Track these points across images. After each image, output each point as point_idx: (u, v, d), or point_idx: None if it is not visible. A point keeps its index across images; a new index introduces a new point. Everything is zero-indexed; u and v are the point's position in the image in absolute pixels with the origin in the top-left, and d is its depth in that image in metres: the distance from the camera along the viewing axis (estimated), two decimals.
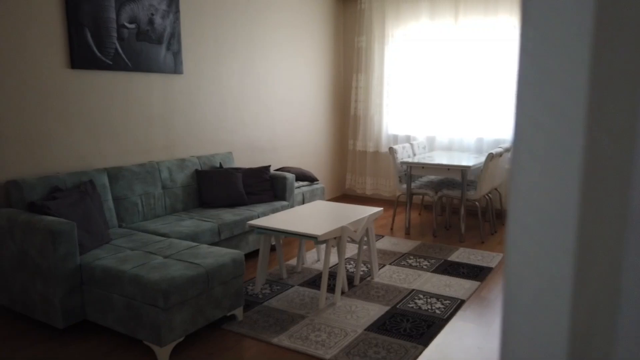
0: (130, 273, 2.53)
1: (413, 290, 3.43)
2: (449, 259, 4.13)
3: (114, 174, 3.52)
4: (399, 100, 6.09)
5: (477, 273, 3.79)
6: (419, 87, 5.92)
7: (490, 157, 4.49)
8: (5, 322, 2.94)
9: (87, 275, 2.69)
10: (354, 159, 6.58)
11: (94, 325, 2.88)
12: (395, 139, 6.22)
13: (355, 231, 3.34)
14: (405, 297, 3.31)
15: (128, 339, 2.74)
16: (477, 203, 4.67)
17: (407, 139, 6.12)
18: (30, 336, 2.77)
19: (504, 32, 5.33)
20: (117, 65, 3.64)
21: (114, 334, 2.80)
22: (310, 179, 5.17)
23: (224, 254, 2.82)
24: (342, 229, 3.20)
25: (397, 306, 3.16)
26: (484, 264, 3.98)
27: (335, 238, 3.20)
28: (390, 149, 4.99)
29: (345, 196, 6.76)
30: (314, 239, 3.04)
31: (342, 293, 3.37)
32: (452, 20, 5.58)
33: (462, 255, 4.22)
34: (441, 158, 4.97)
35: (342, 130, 6.67)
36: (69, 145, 3.39)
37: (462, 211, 4.65)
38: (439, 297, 3.31)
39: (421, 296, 3.33)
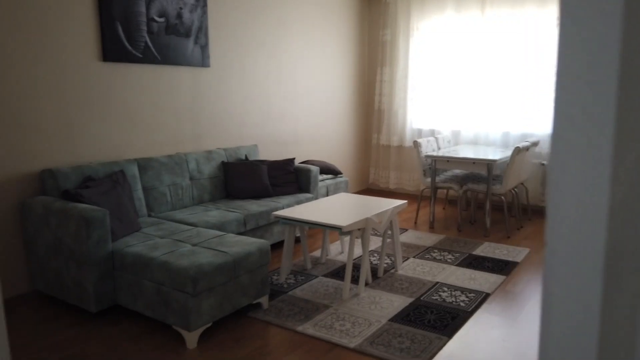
0: (160, 259, 2.60)
1: (437, 283, 3.43)
2: (474, 253, 4.10)
3: (144, 165, 3.61)
4: (423, 94, 6.05)
5: (503, 267, 3.75)
6: (444, 80, 5.87)
7: (517, 150, 4.43)
8: (41, 306, 3.05)
9: (119, 261, 2.77)
10: (377, 153, 6.57)
11: (125, 310, 2.97)
12: (420, 133, 6.18)
13: (379, 223, 3.35)
14: (429, 289, 3.31)
15: (157, 324, 2.82)
16: (503, 198, 4.62)
17: (432, 133, 6.08)
18: (64, 319, 2.88)
19: (531, 25, 5.24)
20: (146, 58, 3.72)
21: (144, 318, 2.88)
22: (334, 172, 5.19)
23: (250, 242, 2.87)
24: (367, 220, 3.22)
25: (421, 298, 3.17)
26: (510, 259, 3.94)
27: (359, 229, 3.21)
28: (415, 142, 4.98)
29: (369, 190, 6.76)
30: (338, 230, 3.06)
31: (366, 284, 3.39)
32: (479, 12, 5.51)
33: (487, 249, 4.19)
34: (466, 152, 4.92)
35: (365, 124, 6.67)
36: (101, 135, 3.49)
37: (488, 205, 4.61)
38: (463, 290, 3.30)
39: (445, 289, 3.32)
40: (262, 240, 2.92)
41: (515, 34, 5.33)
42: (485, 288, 3.34)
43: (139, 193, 3.53)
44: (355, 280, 3.47)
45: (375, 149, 6.58)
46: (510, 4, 5.32)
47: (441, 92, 5.92)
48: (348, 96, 6.25)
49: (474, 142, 5.80)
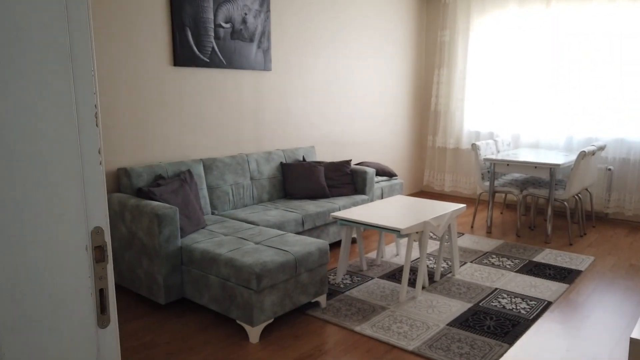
0: (225, 256, 2.73)
1: (496, 289, 3.38)
2: (534, 259, 4.00)
3: (209, 165, 3.77)
4: (482, 95, 5.94)
5: (565, 275, 3.64)
6: (504, 81, 5.74)
7: (582, 155, 4.28)
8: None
9: (187, 257, 2.93)
10: (432, 155, 6.51)
11: (191, 303, 3.13)
12: (477, 135, 6.08)
13: (437, 226, 3.34)
14: (488, 295, 3.27)
15: (221, 317, 2.95)
16: (565, 203, 4.47)
17: (490, 136, 5.96)
18: (136, 310, 3.07)
19: (600, 20, 5.03)
20: (213, 62, 3.88)
21: (209, 311, 3.02)
22: (389, 174, 5.20)
23: (310, 242, 2.95)
24: (425, 223, 3.22)
25: (480, 304, 3.13)
26: (573, 267, 3.82)
27: (417, 232, 3.22)
28: (473, 145, 4.90)
29: (423, 192, 6.71)
30: (396, 233, 3.08)
31: (423, 288, 3.39)
32: (543, 6, 5.34)
33: (548, 256, 4.08)
34: (527, 155, 4.80)
35: (421, 126, 6.62)
36: (170, 136, 3.68)
37: (549, 211, 4.48)
38: (524, 297, 3.23)
39: (505, 295, 3.27)
40: (321, 241, 2.99)
41: (582, 31, 5.13)
42: (547, 296, 3.26)
43: (204, 191, 3.69)
44: (411, 283, 3.48)
45: (431, 151, 6.52)
46: None
47: (500, 93, 5.79)
48: (404, 98, 6.23)
49: (535, 146, 5.64)
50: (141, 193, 3.11)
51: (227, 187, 3.87)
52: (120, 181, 3.31)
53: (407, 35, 6.10)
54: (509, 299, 3.21)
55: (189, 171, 3.51)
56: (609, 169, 5.19)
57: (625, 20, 4.91)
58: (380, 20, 5.61)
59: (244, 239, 3.03)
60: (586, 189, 4.99)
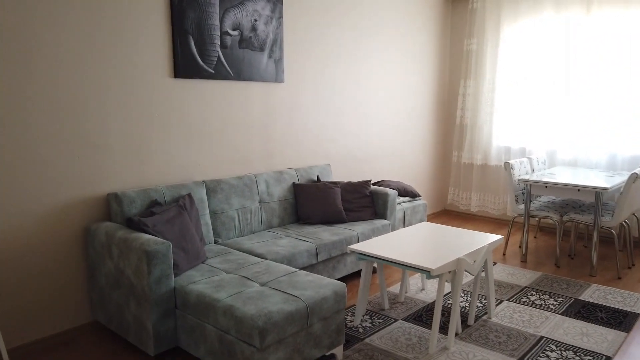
0: (224, 303, 2.31)
1: (542, 338, 2.89)
2: (581, 297, 3.50)
3: (212, 187, 3.37)
4: (512, 108, 5.46)
5: (621, 320, 3.14)
6: (538, 93, 5.25)
7: (634, 178, 3.78)
8: (100, 340, 2.87)
9: (181, 300, 2.51)
10: (457, 171, 6.03)
11: (186, 354, 2.71)
12: (508, 151, 5.59)
13: (473, 263, 2.88)
14: (533, 346, 2.79)
15: None
16: (613, 231, 3.96)
17: (522, 152, 5.47)
18: (122, 358, 2.66)
19: None
20: (218, 74, 3.50)
21: None
22: (411, 194, 4.75)
23: (325, 284, 2.52)
24: (459, 261, 2.76)
25: (526, 359, 2.65)
26: (628, 308, 3.31)
27: (449, 272, 2.77)
28: (506, 164, 4.42)
29: (447, 212, 6.23)
30: (426, 273, 2.63)
31: (456, 335, 2.93)
32: (583, 12, 4.85)
33: (596, 294, 3.57)
34: (565, 176, 4.30)
35: (445, 141, 6.16)
36: (170, 156, 3.29)
37: (595, 239, 3.97)
38: (576, 351, 2.74)
39: (553, 347, 2.78)
40: (338, 283, 2.55)
41: (627, 38, 4.63)
42: (603, 348, 2.77)
43: (207, 218, 3.29)
44: (442, 328, 3.01)
45: (456, 168, 6.04)
46: (623, 2, 4.63)
47: (533, 106, 5.31)
48: (426, 111, 5.78)
49: (573, 165, 5.13)
50: (132, 224, 2.71)
51: (233, 211, 3.46)
52: (110, 208, 2.92)
53: (430, 44, 5.66)
54: (559, 351, 2.73)
55: (189, 195, 3.11)
56: None
57: None
58: (402, 27, 5.18)
59: (248, 278, 2.61)
60: (633, 214, 4.47)
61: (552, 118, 5.19)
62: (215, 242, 3.35)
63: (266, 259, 3.04)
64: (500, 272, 4.02)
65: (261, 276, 2.63)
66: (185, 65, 3.30)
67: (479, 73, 5.63)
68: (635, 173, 3.78)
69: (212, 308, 2.34)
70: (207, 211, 3.31)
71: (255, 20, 3.70)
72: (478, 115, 5.69)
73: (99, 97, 2.90)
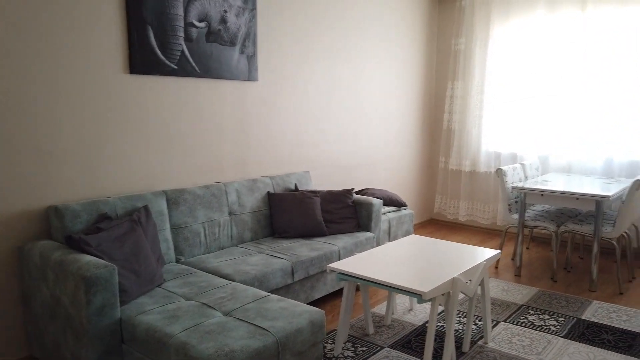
0: (177, 339, 1.92)
1: None
2: (583, 317, 3.18)
3: (174, 198, 2.98)
4: (503, 112, 5.17)
5: (630, 343, 2.83)
6: (529, 96, 4.97)
7: (638, 185, 3.49)
8: None
9: (128, 334, 2.12)
10: (445, 178, 5.72)
11: None
12: (498, 157, 5.29)
13: (468, 282, 2.54)
14: None
15: None
16: (614, 242, 3.67)
17: (513, 158, 5.18)
18: None
19: None
20: (182, 70, 3.12)
21: None
22: (397, 203, 4.41)
23: (299, 313, 2.14)
24: (454, 281, 2.42)
25: None
26: (635, 329, 3.01)
27: (443, 294, 2.42)
28: (499, 170, 4.12)
29: (433, 222, 5.91)
30: (417, 297, 2.28)
31: None
32: (578, 10, 4.58)
33: (599, 312, 3.26)
34: (559, 183, 4.01)
35: (431, 146, 5.85)
36: (124, 163, 2.89)
37: (596, 251, 3.67)
38: None
39: None
40: (315, 310, 2.18)
41: (624, 38, 4.38)
42: None
43: (167, 233, 2.89)
44: (434, 357, 2.66)
45: (443, 174, 5.73)
46: (620, 0, 4.38)
47: (525, 109, 5.02)
48: (412, 114, 5.46)
49: (567, 171, 4.85)
50: (72, 242, 2.31)
51: (198, 225, 3.07)
52: (50, 224, 2.51)
53: (416, 44, 5.35)
54: None
55: (145, 207, 2.71)
56: None
57: None
58: (385, 27, 4.86)
59: (209, 306, 2.22)
60: (633, 224, 4.20)
61: (544, 121, 4.92)
62: (177, 261, 2.95)
63: (234, 280, 2.65)
64: (494, 288, 3.69)
65: (225, 303, 2.25)
66: (143, 60, 2.91)
67: (467, 74, 5.34)
68: (639, 180, 3.50)
69: (163, 345, 1.94)
70: (168, 225, 2.91)
71: (225, 12, 3.33)
72: (466, 119, 5.40)
73: (43, 95, 2.49)
